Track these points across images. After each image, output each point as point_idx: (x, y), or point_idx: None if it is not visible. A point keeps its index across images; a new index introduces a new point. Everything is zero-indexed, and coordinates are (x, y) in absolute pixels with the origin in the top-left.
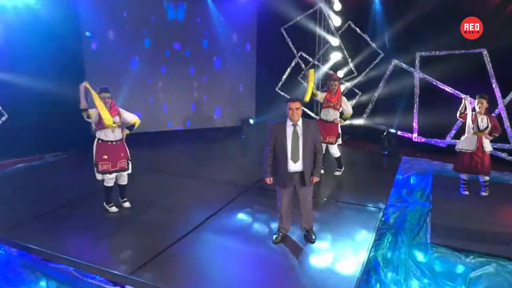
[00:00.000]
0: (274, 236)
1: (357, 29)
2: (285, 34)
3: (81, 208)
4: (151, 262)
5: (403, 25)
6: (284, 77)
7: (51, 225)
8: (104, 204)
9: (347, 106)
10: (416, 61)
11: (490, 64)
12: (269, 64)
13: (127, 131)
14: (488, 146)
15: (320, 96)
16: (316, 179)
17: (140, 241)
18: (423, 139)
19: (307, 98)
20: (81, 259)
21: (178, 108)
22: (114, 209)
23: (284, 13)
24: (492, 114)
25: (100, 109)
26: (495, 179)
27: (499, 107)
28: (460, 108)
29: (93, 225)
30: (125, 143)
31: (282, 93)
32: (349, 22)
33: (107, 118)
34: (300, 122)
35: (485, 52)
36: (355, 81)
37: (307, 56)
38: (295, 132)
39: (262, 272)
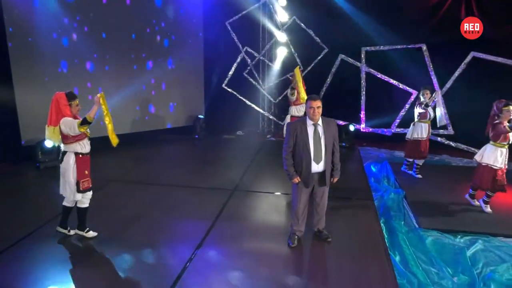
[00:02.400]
0: (290, 240)
1: (302, 24)
2: (230, 29)
3: (45, 239)
4: None
5: (349, 21)
6: (230, 73)
7: (14, 268)
8: (60, 228)
9: None
10: (362, 56)
11: (429, 58)
12: (216, 59)
13: None
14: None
15: (296, 94)
16: (336, 178)
17: (139, 275)
18: (370, 129)
19: (303, 95)
20: None
21: (122, 110)
22: (93, 233)
23: (230, 7)
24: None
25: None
26: (441, 162)
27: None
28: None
29: (69, 259)
30: None
31: (229, 90)
32: (294, 17)
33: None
34: (320, 121)
35: (424, 48)
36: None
37: (252, 51)
38: (316, 132)
39: (298, 280)
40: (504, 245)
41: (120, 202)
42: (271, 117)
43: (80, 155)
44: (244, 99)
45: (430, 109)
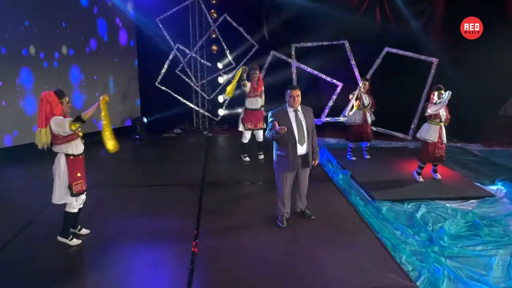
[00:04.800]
0: (280, 222)
1: (233, 22)
2: (161, 26)
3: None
4: None
5: (280, 19)
6: (163, 71)
7: None
8: (61, 238)
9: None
10: (292, 52)
11: (351, 53)
12: (150, 57)
13: None
14: (369, 119)
15: (248, 85)
16: (317, 161)
17: (151, 275)
18: None
19: (229, 93)
20: None
21: None
22: (76, 241)
23: (161, 3)
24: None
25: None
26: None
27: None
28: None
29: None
30: None
31: (163, 88)
32: (225, 15)
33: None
34: (299, 108)
35: (347, 45)
36: (233, 72)
37: (184, 49)
38: (297, 116)
39: (302, 255)
40: (441, 206)
41: (91, 208)
42: (205, 113)
43: (72, 157)
44: (178, 97)
45: (365, 98)
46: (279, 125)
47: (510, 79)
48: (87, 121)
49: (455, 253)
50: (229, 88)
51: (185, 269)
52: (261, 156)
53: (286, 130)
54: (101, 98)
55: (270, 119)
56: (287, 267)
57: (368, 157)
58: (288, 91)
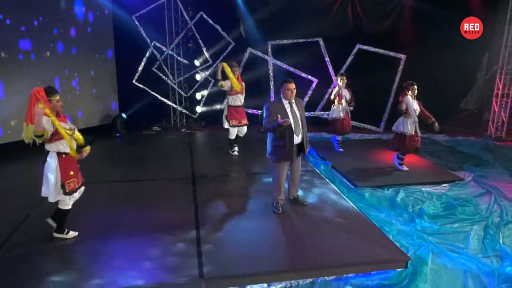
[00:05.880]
0: (276, 209)
1: (209, 19)
2: (137, 23)
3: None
4: None
5: (256, 17)
6: (140, 68)
7: None
8: (57, 234)
9: None
10: (269, 49)
11: (325, 50)
12: (127, 54)
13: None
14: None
15: (226, 84)
16: (307, 150)
17: (163, 264)
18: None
19: (237, 86)
20: None
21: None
22: (73, 233)
23: (138, 0)
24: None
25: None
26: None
27: (334, 83)
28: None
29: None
30: None
31: (140, 86)
32: (201, 12)
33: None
34: (293, 100)
35: (321, 43)
36: (210, 69)
37: (161, 46)
38: (292, 108)
39: (304, 235)
40: (417, 190)
41: (86, 204)
42: (183, 111)
43: (64, 155)
44: (155, 94)
45: (345, 93)
46: (276, 115)
47: (469, 75)
48: (44, 134)
49: (435, 230)
50: (234, 81)
51: (193, 254)
52: (235, 152)
53: (289, 122)
54: (41, 105)
55: (266, 111)
56: (289, 247)
57: (341, 150)
58: (285, 84)
